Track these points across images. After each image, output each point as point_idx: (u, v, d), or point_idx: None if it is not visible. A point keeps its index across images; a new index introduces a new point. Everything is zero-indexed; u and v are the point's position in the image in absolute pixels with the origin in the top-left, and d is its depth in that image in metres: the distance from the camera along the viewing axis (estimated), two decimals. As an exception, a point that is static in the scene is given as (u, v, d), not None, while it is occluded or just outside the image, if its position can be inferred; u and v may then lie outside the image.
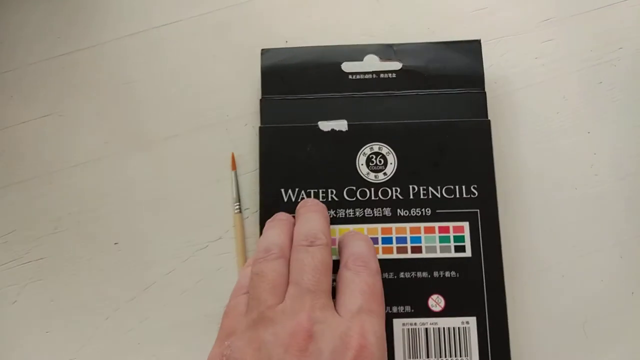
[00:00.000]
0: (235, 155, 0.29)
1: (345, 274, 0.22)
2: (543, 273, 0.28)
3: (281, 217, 0.25)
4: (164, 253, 0.29)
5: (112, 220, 0.29)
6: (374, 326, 0.21)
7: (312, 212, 0.25)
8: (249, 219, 0.29)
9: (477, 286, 0.26)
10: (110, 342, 0.28)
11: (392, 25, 0.32)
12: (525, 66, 0.31)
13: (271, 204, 0.27)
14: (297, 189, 0.27)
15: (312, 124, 0.28)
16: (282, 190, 0.27)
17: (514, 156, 0.30)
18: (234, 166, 0.29)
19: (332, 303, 0.22)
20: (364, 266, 0.22)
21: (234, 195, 0.29)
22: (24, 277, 0.28)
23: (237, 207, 0.29)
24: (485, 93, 0.29)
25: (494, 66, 0.31)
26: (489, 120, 0.28)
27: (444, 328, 0.26)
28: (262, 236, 0.25)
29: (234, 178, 0.29)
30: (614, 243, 0.28)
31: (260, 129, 0.28)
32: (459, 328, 0.26)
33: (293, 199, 0.27)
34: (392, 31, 0.31)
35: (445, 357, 0.25)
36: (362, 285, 0.22)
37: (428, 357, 0.25)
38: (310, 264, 0.22)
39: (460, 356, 0.25)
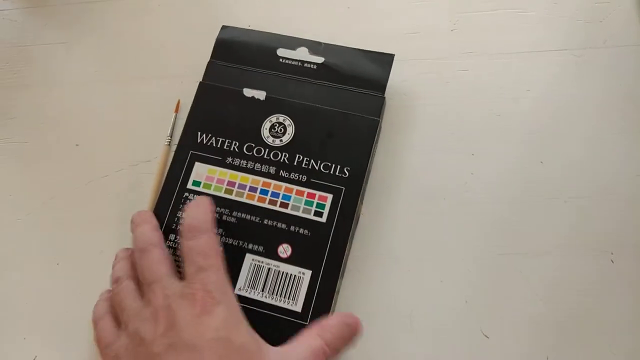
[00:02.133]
0: (180, 102, 0.37)
1: (183, 243, 0.28)
2: (388, 262, 0.32)
3: (121, 254, 0.31)
4: (107, 161, 0.37)
5: (76, 127, 0.38)
6: (211, 277, 0.26)
7: (139, 227, 0.30)
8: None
9: (320, 247, 0.31)
10: (50, 220, 0.36)
11: (338, 29, 0.38)
12: (437, 87, 0.35)
13: (188, 142, 0.34)
14: (210, 135, 0.34)
15: (239, 89, 0.35)
16: (199, 133, 0.34)
17: (398, 159, 0.34)
18: (177, 109, 0.37)
19: (175, 279, 0.28)
20: (196, 232, 0.28)
21: (169, 131, 0.36)
22: None
23: (168, 140, 0.36)
24: (384, 98, 0.34)
25: (408, 81, 0.36)
26: (379, 120, 0.33)
27: (283, 272, 0.31)
28: (112, 270, 0.31)
29: (173, 118, 0.36)
30: (464, 256, 0.32)
31: (200, 84, 0.35)
32: (295, 276, 0.31)
33: (205, 142, 0.34)
34: (335, 34, 0.37)
35: (276, 295, 0.30)
36: (197, 249, 0.28)
37: (263, 291, 0.31)
38: (145, 265, 0.28)
39: (288, 299, 0.30)
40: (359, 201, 0.32)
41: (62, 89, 0.39)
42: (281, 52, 0.36)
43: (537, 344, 0.29)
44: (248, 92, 0.35)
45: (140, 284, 0.28)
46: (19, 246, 0.35)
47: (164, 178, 0.35)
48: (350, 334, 0.27)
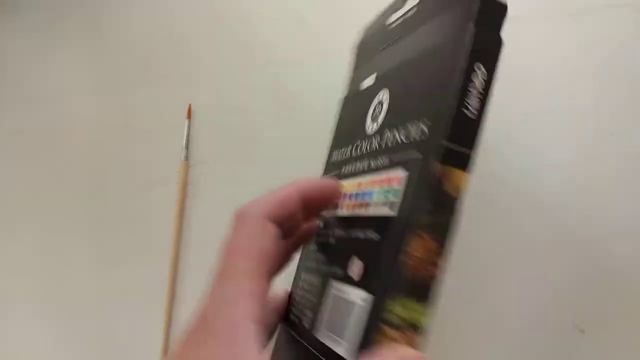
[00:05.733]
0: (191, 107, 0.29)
1: None
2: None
3: None
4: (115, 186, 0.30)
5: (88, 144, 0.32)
6: None
7: None
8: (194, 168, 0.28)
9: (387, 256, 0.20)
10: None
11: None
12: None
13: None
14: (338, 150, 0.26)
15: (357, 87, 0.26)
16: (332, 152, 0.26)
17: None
18: (189, 115, 0.29)
19: None
20: None
21: (184, 141, 0.28)
22: None
23: (185, 154, 0.28)
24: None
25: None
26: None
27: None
28: None
29: (186, 126, 0.29)
30: None
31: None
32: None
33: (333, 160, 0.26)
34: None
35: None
36: None
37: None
38: None
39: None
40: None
41: (45, 104, 0.33)
42: (391, 18, 0.26)
43: None
44: (364, 85, 0.26)
45: None
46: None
47: (186, 201, 0.27)
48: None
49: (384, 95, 0.23)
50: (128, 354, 0.27)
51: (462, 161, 0.19)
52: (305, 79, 0.28)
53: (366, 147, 0.23)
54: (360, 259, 0.21)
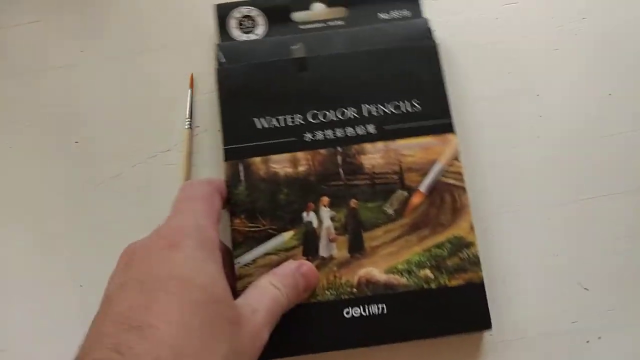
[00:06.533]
0: (194, 76, 0.32)
1: None
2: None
3: None
4: (116, 156, 0.31)
5: (76, 120, 0.32)
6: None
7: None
8: (199, 136, 0.31)
9: None
10: (55, 231, 0.30)
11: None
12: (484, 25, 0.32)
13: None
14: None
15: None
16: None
17: (455, 108, 0.30)
18: (191, 84, 0.31)
19: None
20: None
21: (187, 112, 0.31)
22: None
23: (188, 122, 0.31)
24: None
25: (450, 21, 0.32)
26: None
27: None
28: None
29: (189, 96, 0.31)
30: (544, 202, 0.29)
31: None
32: None
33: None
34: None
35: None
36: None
37: None
38: None
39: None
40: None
41: (45, 76, 0.33)
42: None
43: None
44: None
45: None
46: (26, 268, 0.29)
47: (192, 167, 0.30)
48: (305, 284, 0.25)
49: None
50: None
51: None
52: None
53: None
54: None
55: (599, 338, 0.27)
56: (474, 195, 0.27)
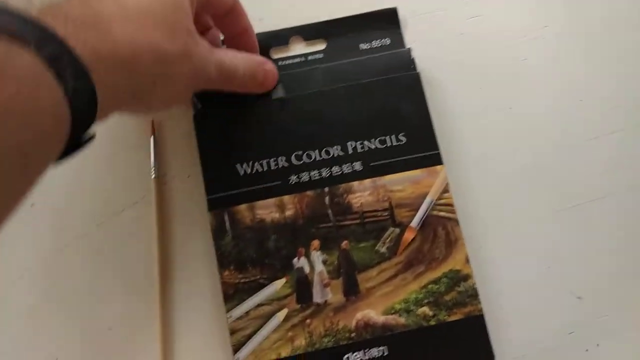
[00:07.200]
0: (159, 121, 0.29)
1: None
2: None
3: None
4: (80, 216, 0.29)
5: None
6: None
7: None
8: (169, 185, 0.29)
9: None
10: (22, 303, 0.28)
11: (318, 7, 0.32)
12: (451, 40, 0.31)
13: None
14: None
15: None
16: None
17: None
18: (153, 131, 0.29)
19: None
20: None
21: (151, 160, 0.29)
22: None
23: (154, 172, 0.29)
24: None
25: (417, 41, 0.31)
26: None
27: None
28: None
29: (151, 143, 0.29)
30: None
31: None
32: None
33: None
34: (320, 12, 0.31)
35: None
36: None
37: None
38: None
39: None
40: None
41: None
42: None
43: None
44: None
45: None
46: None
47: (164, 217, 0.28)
48: (262, 79, 0.27)
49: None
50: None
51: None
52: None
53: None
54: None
55: (597, 345, 0.27)
56: (464, 219, 0.27)
